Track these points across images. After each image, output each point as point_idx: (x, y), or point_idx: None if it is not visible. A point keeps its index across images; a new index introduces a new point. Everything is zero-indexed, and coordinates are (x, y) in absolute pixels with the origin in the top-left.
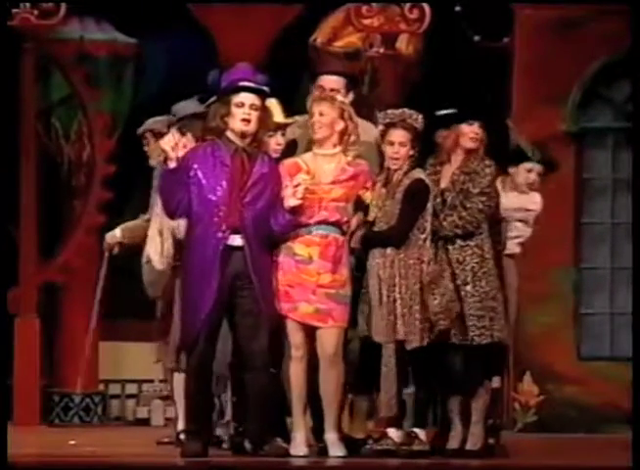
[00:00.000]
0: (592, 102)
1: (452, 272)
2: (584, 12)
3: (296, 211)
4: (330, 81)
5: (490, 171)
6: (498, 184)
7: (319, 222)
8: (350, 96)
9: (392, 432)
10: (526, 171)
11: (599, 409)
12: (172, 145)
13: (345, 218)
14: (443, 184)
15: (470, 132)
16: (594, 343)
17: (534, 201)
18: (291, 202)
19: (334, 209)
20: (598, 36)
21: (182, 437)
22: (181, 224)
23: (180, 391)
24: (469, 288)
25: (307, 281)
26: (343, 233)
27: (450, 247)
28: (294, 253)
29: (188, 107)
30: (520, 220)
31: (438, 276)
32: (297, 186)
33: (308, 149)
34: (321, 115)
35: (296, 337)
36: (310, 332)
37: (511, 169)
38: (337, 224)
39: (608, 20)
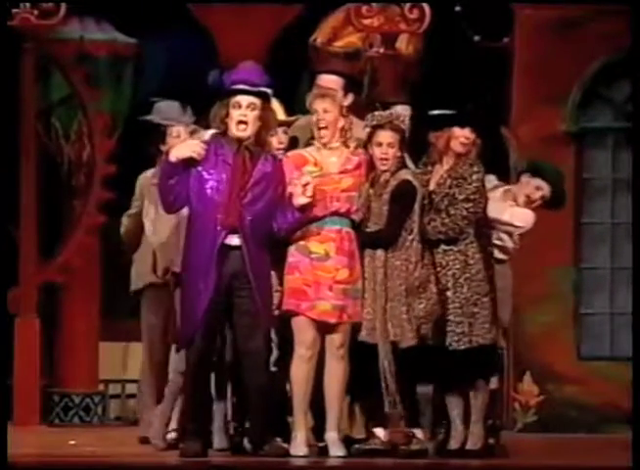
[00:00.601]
0: (592, 102)
1: (436, 276)
2: (584, 12)
3: (304, 208)
4: (328, 81)
5: (478, 178)
6: (501, 192)
7: (332, 214)
8: (350, 98)
9: (379, 431)
10: (535, 188)
11: (599, 409)
12: (199, 152)
13: (355, 207)
14: (432, 186)
15: (461, 136)
16: (594, 343)
17: (522, 218)
18: (300, 200)
19: (345, 199)
20: (598, 36)
21: (170, 436)
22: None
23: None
24: (449, 293)
25: (324, 278)
26: (354, 226)
27: (434, 250)
28: (309, 251)
29: (169, 112)
30: (504, 232)
31: (426, 280)
32: (306, 185)
33: (308, 146)
34: (325, 112)
35: (307, 336)
36: (322, 330)
37: (523, 178)
38: (348, 215)
39: (608, 20)
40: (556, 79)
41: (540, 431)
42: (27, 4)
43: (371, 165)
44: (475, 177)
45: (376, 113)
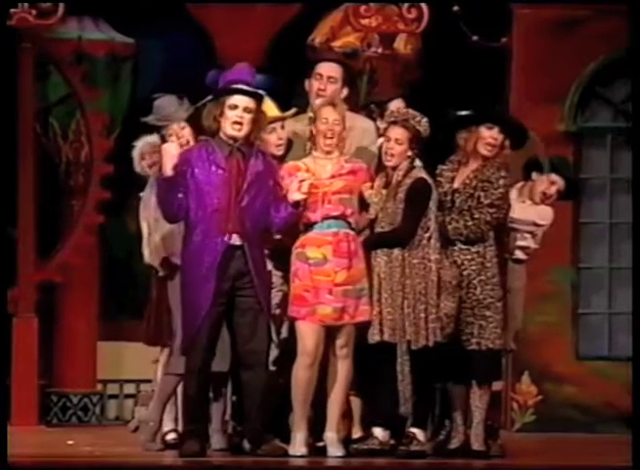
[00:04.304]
0: (591, 102)
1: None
2: (583, 12)
3: (298, 205)
4: (329, 69)
5: (504, 183)
6: (515, 191)
7: (324, 217)
8: (345, 91)
9: (378, 431)
10: (549, 183)
11: (598, 409)
12: (175, 149)
13: (350, 211)
14: (456, 184)
15: (488, 137)
16: (592, 342)
17: (544, 216)
18: (295, 196)
19: (337, 201)
20: (597, 36)
21: (169, 437)
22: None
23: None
24: (462, 293)
25: (323, 282)
26: (352, 228)
27: (451, 247)
28: (306, 257)
29: (168, 107)
30: (528, 232)
31: (460, 279)
32: (302, 181)
33: (305, 145)
34: (336, 123)
35: (309, 344)
36: (325, 335)
37: (534, 176)
38: (343, 218)
39: (607, 20)
40: (554, 79)
41: (539, 431)
42: (26, 4)
43: (371, 173)
44: (501, 182)
45: (395, 111)
